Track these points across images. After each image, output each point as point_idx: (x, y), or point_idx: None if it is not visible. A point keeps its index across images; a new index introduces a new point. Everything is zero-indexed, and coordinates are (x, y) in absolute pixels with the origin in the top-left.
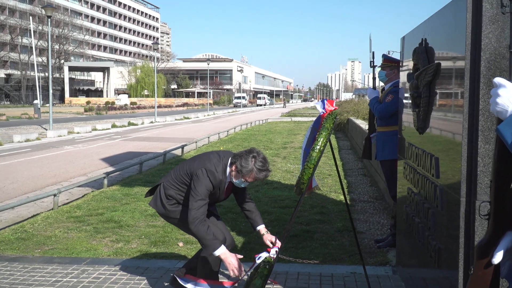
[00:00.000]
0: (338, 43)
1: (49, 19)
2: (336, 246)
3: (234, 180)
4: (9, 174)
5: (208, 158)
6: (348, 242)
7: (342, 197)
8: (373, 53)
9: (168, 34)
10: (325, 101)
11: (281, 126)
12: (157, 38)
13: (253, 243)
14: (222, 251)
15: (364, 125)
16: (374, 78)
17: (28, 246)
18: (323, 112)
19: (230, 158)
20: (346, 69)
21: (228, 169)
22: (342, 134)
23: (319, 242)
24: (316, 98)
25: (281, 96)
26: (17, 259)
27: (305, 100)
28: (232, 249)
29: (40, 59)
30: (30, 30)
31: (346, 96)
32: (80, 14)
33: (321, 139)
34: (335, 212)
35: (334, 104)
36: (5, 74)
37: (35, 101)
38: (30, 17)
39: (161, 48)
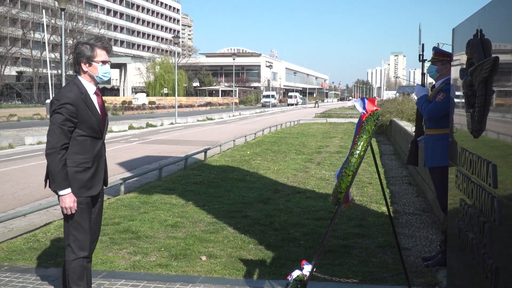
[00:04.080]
0: (380, 35)
1: (62, 12)
2: (377, 264)
3: (95, 75)
4: (21, 179)
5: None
6: (391, 259)
7: (384, 209)
8: (423, 45)
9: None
10: (365, 100)
11: (315, 128)
12: (178, 31)
13: (283, 259)
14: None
15: (409, 127)
16: (423, 74)
17: (41, 257)
18: (363, 113)
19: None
20: (388, 64)
21: (80, 78)
22: (384, 137)
23: (358, 259)
24: (354, 97)
25: (314, 95)
26: (30, 270)
27: (342, 99)
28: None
29: (53, 55)
30: (42, 24)
31: (388, 94)
32: (95, 6)
33: (361, 143)
34: (377, 225)
35: (375, 104)
36: (17, 72)
37: (47, 101)
38: (43, 10)
39: (182, 42)
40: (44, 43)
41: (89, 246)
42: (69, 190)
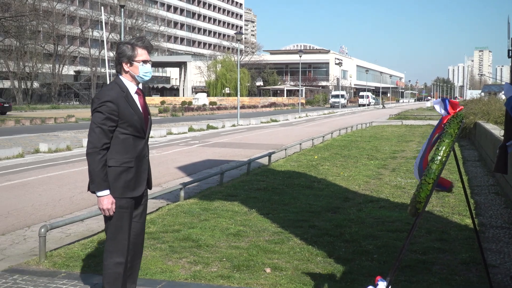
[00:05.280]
0: (463, 28)
1: (122, 9)
2: (460, 283)
3: (136, 74)
4: (79, 182)
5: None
6: (476, 278)
7: (468, 221)
8: None
9: (253, 22)
10: (447, 100)
11: (389, 131)
12: (241, 27)
13: (355, 274)
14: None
15: (497, 130)
16: None
17: (99, 264)
18: (445, 114)
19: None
20: (472, 61)
21: (121, 77)
22: (467, 141)
23: (439, 276)
24: (433, 97)
25: (388, 94)
26: (87, 278)
27: (419, 99)
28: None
29: (111, 54)
30: (101, 21)
31: (472, 94)
32: (155, 2)
33: (443, 148)
34: (459, 239)
35: (458, 106)
36: (74, 71)
37: None
38: (102, 8)
39: (245, 38)
40: (102, 41)
41: (126, 251)
42: (107, 191)
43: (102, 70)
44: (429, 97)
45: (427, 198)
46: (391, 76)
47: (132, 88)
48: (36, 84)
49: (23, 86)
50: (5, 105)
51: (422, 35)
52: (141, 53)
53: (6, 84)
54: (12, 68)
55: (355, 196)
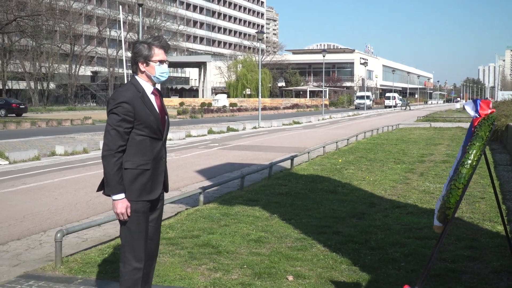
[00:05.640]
0: (494, 26)
1: (140, 8)
2: None
3: (153, 75)
4: (96, 185)
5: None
6: (507, 287)
7: (500, 228)
8: None
9: (275, 20)
10: (478, 101)
11: (416, 133)
12: (262, 26)
13: (381, 282)
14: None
15: None
16: None
17: (116, 270)
18: (476, 116)
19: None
20: (503, 61)
21: (137, 77)
22: (498, 145)
23: (469, 285)
24: (462, 98)
25: (416, 95)
26: (104, 284)
27: (448, 100)
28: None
29: (129, 54)
30: (119, 21)
31: (504, 95)
32: (174, 0)
33: (474, 152)
34: (490, 247)
35: (490, 106)
36: (92, 72)
37: None
38: (120, 6)
39: (266, 37)
40: (120, 41)
41: (144, 257)
42: (122, 195)
43: (120, 70)
44: (458, 99)
45: (457, 203)
46: (418, 76)
47: (148, 88)
48: (52, 85)
49: (39, 87)
50: (20, 106)
51: (451, 33)
52: (158, 53)
53: (22, 85)
54: (28, 68)
55: (381, 201)
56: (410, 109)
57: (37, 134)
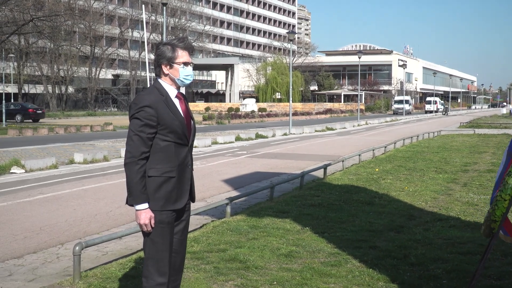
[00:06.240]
0: None
1: (164, 8)
2: None
3: (177, 77)
4: (117, 196)
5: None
6: None
7: None
8: None
9: (307, 20)
10: None
11: (459, 140)
12: (293, 26)
13: None
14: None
15: None
16: None
17: (138, 286)
18: None
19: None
20: None
21: (161, 81)
22: None
23: None
24: (509, 103)
25: (459, 100)
26: None
27: (493, 105)
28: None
29: (152, 56)
30: (141, 21)
31: None
32: None
33: None
34: None
35: None
36: (113, 75)
37: None
38: (143, 6)
39: (298, 38)
40: (143, 42)
41: (168, 271)
42: (146, 205)
43: (143, 73)
44: (505, 103)
45: (503, 216)
46: (461, 79)
47: (172, 92)
48: (71, 89)
49: (57, 91)
50: (38, 111)
51: (496, 34)
52: (182, 55)
53: (39, 89)
54: (46, 71)
55: (421, 213)
56: (447, 114)
57: (54, 141)
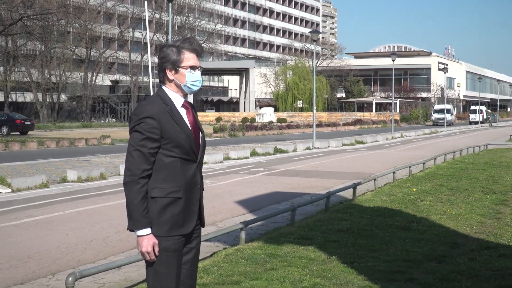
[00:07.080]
0: None
1: (170, 4)
2: None
3: (183, 83)
4: (115, 219)
5: None
6: None
7: None
8: None
9: (333, 17)
10: None
11: (509, 156)
12: (317, 24)
13: None
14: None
15: None
16: None
17: None
18: None
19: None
20: None
21: (165, 88)
22: None
23: None
24: None
25: (508, 109)
26: None
27: None
28: None
29: (156, 60)
30: (144, 20)
31: None
32: None
33: None
34: None
35: None
36: (111, 81)
37: None
38: (145, 2)
39: (322, 38)
40: (145, 44)
41: None
42: (148, 230)
43: (145, 79)
44: None
45: None
46: (510, 85)
47: (178, 100)
48: (64, 97)
49: (48, 100)
50: (26, 123)
51: None
52: (189, 58)
53: (28, 97)
54: (36, 77)
55: (466, 240)
56: (491, 124)
57: (45, 156)
